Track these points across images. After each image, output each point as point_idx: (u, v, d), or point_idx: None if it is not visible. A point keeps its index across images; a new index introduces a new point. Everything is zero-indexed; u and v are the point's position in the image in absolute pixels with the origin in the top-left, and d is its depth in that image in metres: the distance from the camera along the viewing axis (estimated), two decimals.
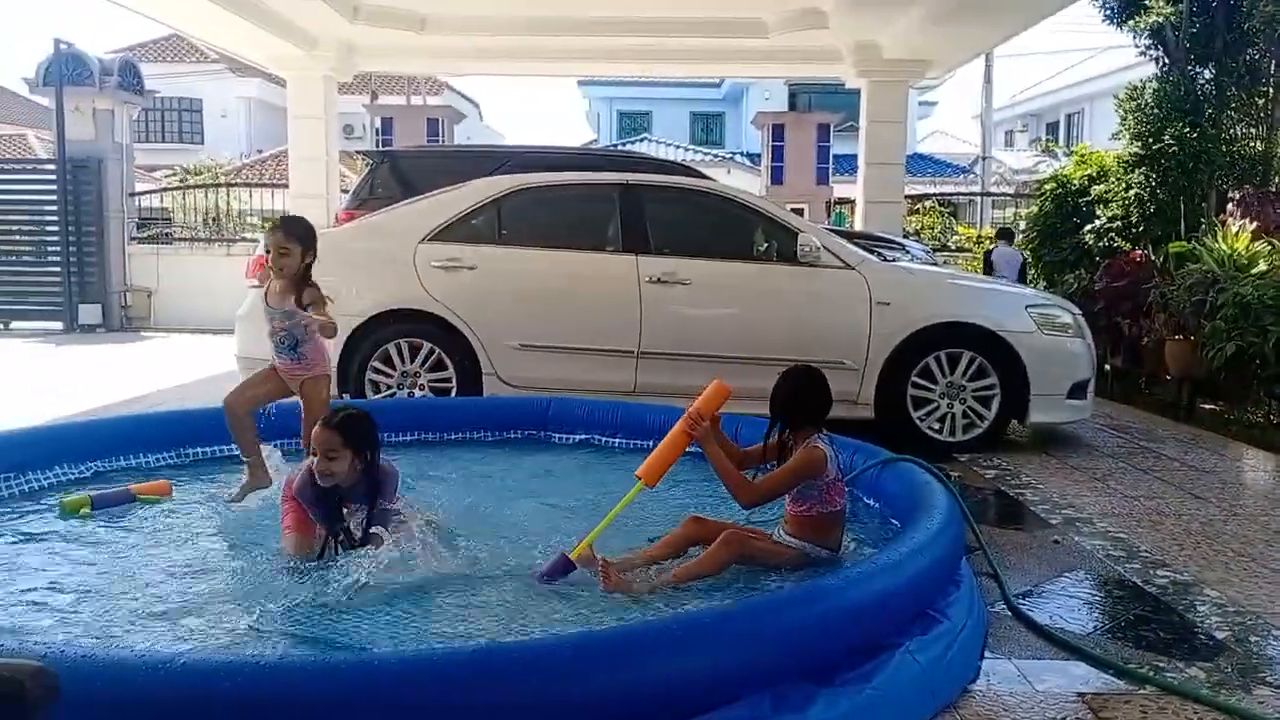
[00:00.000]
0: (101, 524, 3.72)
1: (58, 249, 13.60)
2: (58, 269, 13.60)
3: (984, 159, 22.75)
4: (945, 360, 5.91)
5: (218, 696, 1.87)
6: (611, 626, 2.52)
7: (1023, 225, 14.14)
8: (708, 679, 2.14)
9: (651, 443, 5.09)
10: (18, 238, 14.17)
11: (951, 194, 22.09)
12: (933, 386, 5.92)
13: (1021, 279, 11.27)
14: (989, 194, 20.79)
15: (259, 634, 2.69)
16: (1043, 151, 19.18)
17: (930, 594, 2.76)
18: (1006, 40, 12.22)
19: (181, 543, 3.51)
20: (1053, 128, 32.95)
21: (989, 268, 11.78)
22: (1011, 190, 22.43)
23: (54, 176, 13.66)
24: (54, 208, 13.61)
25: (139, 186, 15.34)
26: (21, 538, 3.55)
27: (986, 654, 2.85)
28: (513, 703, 1.95)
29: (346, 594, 2.88)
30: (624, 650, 2.13)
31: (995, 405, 5.90)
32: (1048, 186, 11.71)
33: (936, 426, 5.94)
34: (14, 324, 13.76)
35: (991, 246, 12.82)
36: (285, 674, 1.96)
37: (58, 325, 13.49)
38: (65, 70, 13.24)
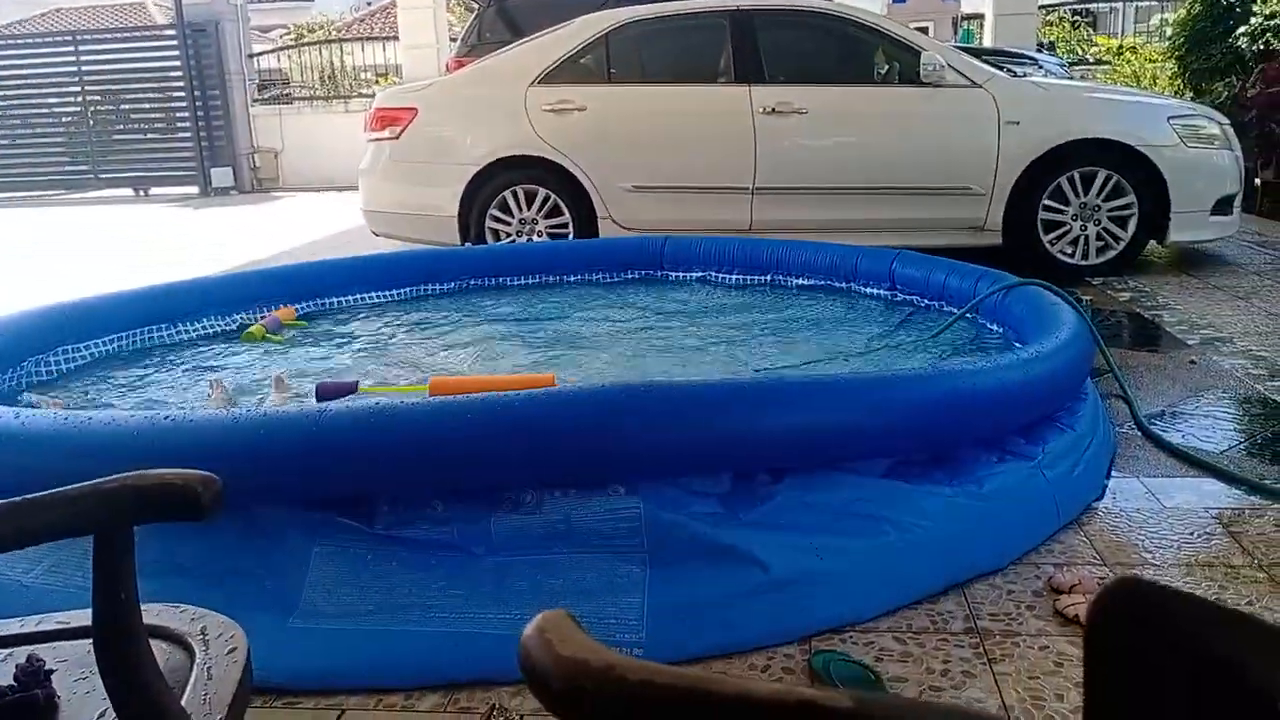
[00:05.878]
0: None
1: (186, 115, 13.96)
2: (188, 134, 13.99)
3: None
4: (1079, 180, 5.63)
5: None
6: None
7: (1169, 32, 13.09)
8: (810, 439, 2.25)
9: (768, 278, 5.12)
10: (147, 106, 14.58)
11: (1091, 2, 20.49)
12: (1065, 208, 5.66)
13: None
14: None
15: None
16: None
17: (1054, 399, 2.72)
18: None
19: None
20: None
21: None
22: None
23: (175, 42, 13.92)
24: (179, 74, 13.91)
25: (255, 48, 15.51)
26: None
27: (1114, 473, 2.80)
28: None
29: None
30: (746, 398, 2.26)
31: (1132, 225, 5.63)
32: None
33: (1069, 250, 5.71)
34: (153, 190, 14.35)
35: None
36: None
37: (193, 190, 13.99)
38: None
